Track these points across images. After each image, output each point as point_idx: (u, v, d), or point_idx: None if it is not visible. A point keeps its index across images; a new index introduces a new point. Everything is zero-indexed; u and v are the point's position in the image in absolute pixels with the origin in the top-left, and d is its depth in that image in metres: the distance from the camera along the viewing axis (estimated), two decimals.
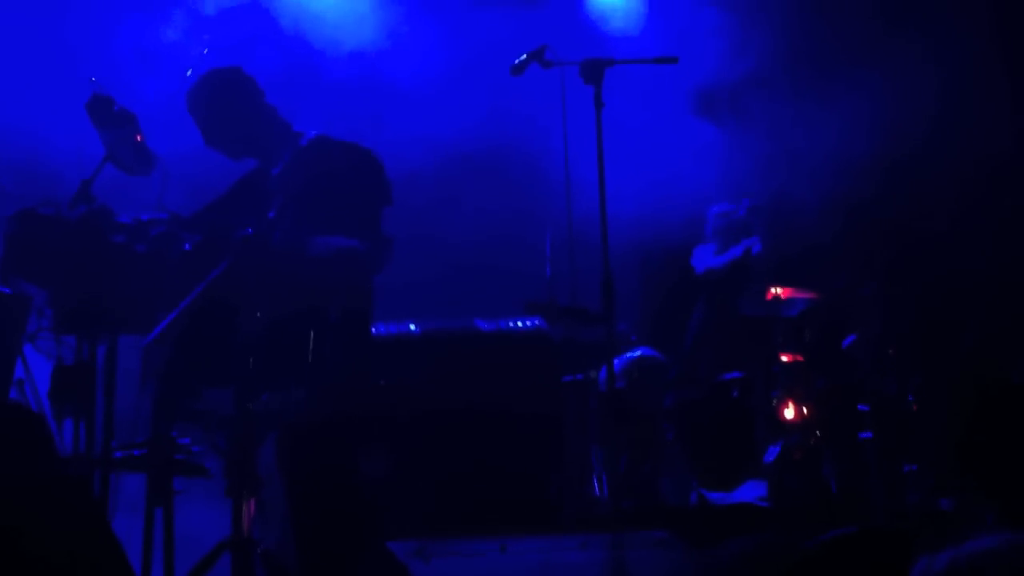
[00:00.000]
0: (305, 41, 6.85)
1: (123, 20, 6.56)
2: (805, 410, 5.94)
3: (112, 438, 3.98)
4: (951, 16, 6.92)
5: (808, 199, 6.82)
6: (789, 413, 5.96)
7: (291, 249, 3.84)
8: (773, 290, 6.19)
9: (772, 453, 5.71)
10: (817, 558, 3.19)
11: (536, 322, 5.23)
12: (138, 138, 4.30)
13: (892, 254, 6.74)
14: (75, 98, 4.36)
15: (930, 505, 5.35)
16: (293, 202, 4.02)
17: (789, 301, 6.27)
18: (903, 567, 1.96)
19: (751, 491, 5.70)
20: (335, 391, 3.85)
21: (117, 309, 3.86)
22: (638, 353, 6.24)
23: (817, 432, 5.83)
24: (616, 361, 5.99)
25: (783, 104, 7.13)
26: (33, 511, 2.90)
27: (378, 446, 4.14)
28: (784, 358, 6.19)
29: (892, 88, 6.73)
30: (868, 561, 2.74)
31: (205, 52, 5.52)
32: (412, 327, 4.95)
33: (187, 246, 3.94)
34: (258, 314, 3.67)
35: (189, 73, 4.48)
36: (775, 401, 6.02)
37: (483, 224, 6.78)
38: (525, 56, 4.83)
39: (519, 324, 5.20)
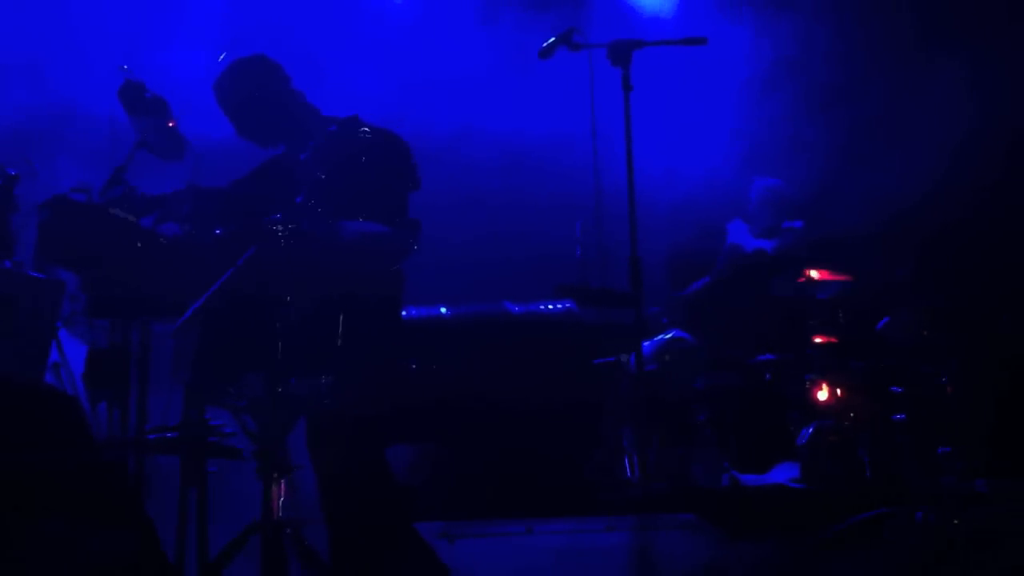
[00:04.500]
0: (338, 24, 6.87)
1: None
2: (839, 392, 5.90)
3: (146, 421, 4.04)
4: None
5: (844, 184, 6.77)
6: (823, 396, 5.92)
7: (320, 234, 3.86)
8: (807, 272, 6.15)
9: (805, 435, 5.67)
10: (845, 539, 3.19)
11: (567, 305, 5.22)
12: (170, 124, 4.33)
13: (927, 237, 6.67)
14: (108, 76, 4.40)
15: (965, 487, 5.30)
16: (321, 187, 4.04)
17: (823, 283, 6.22)
18: None
19: (784, 473, 5.67)
20: (365, 376, 3.88)
21: (149, 295, 3.90)
22: (670, 335, 6.22)
23: (851, 415, 5.79)
24: (648, 344, 5.99)
25: (821, 88, 7.08)
26: (69, 493, 2.94)
27: (408, 430, 4.16)
28: (818, 340, 6.14)
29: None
30: None
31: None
32: (443, 310, 4.97)
33: (218, 232, 3.97)
34: (287, 299, 3.70)
35: (222, 58, 4.49)
36: (808, 384, 5.98)
37: (513, 207, 6.78)
38: (553, 39, 4.79)
39: (550, 307, 5.19)
